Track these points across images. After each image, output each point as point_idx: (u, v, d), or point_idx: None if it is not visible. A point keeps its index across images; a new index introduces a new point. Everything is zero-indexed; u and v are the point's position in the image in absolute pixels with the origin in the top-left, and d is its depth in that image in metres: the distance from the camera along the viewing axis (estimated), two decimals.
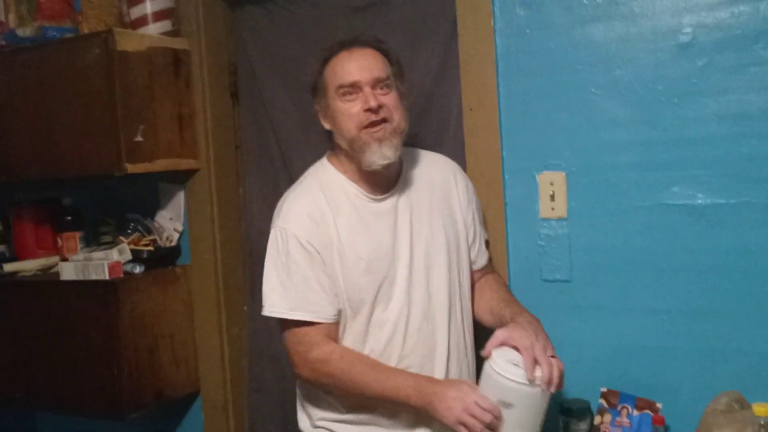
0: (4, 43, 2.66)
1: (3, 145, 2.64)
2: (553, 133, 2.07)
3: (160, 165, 2.53)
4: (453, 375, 1.89)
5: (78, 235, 2.73)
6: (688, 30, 1.90)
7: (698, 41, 1.89)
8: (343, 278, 1.83)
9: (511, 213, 2.14)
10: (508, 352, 1.69)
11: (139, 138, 2.43)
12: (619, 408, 1.96)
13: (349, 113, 1.81)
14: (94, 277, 2.47)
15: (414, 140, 2.41)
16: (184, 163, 2.64)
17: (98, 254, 2.54)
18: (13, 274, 2.73)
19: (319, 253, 1.82)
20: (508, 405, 1.65)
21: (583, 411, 1.97)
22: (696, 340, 1.93)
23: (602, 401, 2.00)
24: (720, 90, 1.87)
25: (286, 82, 2.58)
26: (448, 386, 1.73)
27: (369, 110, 1.79)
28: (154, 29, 2.54)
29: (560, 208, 2.06)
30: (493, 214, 2.14)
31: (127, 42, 2.42)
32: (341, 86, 1.81)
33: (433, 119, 2.36)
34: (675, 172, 1.93)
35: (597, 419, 1.98)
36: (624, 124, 1.98)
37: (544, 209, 2.09)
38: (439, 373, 1.86)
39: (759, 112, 1.83)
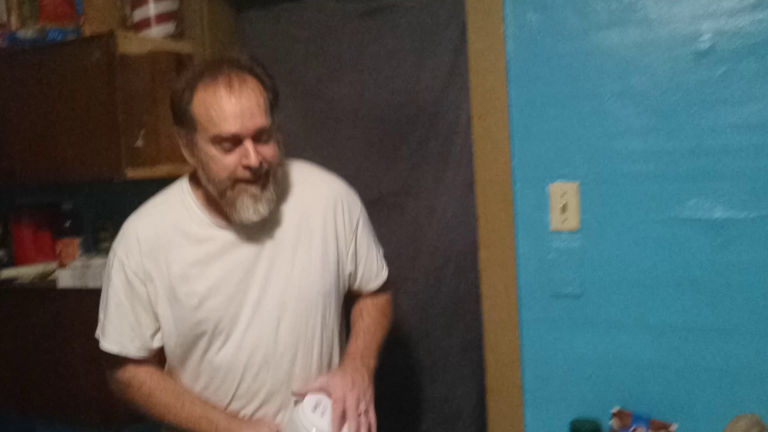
0: (5, 44, 2.62)
1: (3, 149, 2.60)
2: (565, 142, 2.00)
3: (162, 170, 2.48)
4: None
5: (77, 241, 2.67)
6: (707, 37, 1.84)
7: (717, 49, 1.83)
8: (170, 313, 1.69)
9: (520, 225, 2.07)
10: (323, 400, 1.62)
11: (140, 143, 2.38)
12: (631, 429, 1.90)
13: (223, 164, 1.60)
14: (92, 284, 2.41)
15: (421, 148, 2.37)
16: (187, 169, 2.57)
17: (97, 261, 2.49)
18: (11, 280, 2.69)
19: (142, 285, 1.69)
20: None
21: (593, 431, 1.91)
22: (713, 359, 1.87)
23: (614, 422, 1.93)
24: (740, 99, 1.81)
25: (290, 87, 2.53)
26: (245, 426, 1.66)
27: (248, 167, 1.59)
28: (157, 32, 2.49)
29: (572, 220, 2.00)
30: (502, 225, 2.08)
31: (129, 45, 2.37)
32: (218, 137, 1.58)
33: (440, 127, 2.31)
34: (692, 184, 1.87)
35: None
36: (639, 134, 1.92)
37: (556, 221, 2.02)
38: (280, 422, 1.72)
39: None
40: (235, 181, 1.61)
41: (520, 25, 2.04)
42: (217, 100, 1.58)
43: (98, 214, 2.82)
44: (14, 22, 2.66)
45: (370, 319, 1.87)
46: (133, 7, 2.51)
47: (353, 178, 1.96)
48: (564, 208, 2.00)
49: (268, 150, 1.62)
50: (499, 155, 2.07)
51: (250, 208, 1.63)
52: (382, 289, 1.92)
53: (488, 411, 2.16)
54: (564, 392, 2.05)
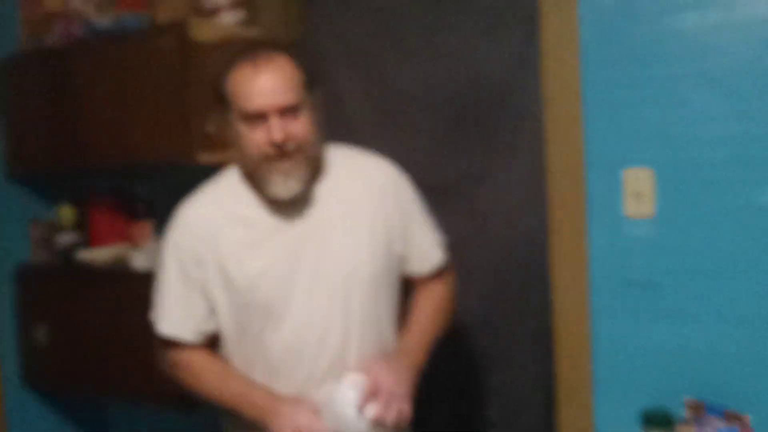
0: (81, 32, 2.68)
1: (79, 133, 2.67)
2: (640, 126, 1.96)
3: (233, 155, 2.51)
4: None
5: (151, 224, 2.74)
6: None
7: None
8: (224, 296, 1.72)
9: (593, 211, 2.04)
10: (361, 383, 1.63)
11: (211, 128, 2.41)
12: (705, 420, 1.86)
13: (250, 140, 1.64)
14: None
15: (490, 133, 2.35)
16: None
17: None
18: (87, 262, 2.76)
19: (195, 269, 1.72)
20: None
21: (666, 421, 1.88)
22: None
23: (687, 412, 1.90)
24: None
25: (359, 72, 2.54)
26: (285, 403, 1.66)
27: (273, 143, 1.62)
28: (228, 19, 2.52)
29: (647, 207, 1.95)
30: (574, 212, 2.05)
31: (202, 31, 2.41)
32: (245, 113, 1.63)
33: (510, 111, 2.29)
34: None
35: (681, 431, 1.88)
36: (717, 119, 1.87)
37: (630, 208, 1.98)
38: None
39: None
40: (265, 158, 1.64)
41: (595, 7, 2.00)
42: (244, 77, 1.64)
43: (171, 198, 2.87)
44: (91, 9, 2.72)
45: (425, 316, 1.86)
46: None
47: (420, 164, 1.96)
48: (639, 194, 1.96)
49: (296, 127, 1.64)
50: (571, 140, 2.04)
51: (279, 185, 1.65)
52: (441, 277, 1.90)
53: (557, 399, 2.14)
54: (635, 382, 2.01)
